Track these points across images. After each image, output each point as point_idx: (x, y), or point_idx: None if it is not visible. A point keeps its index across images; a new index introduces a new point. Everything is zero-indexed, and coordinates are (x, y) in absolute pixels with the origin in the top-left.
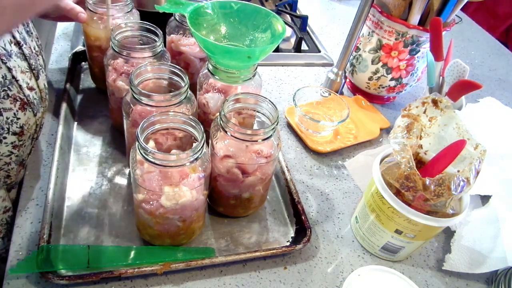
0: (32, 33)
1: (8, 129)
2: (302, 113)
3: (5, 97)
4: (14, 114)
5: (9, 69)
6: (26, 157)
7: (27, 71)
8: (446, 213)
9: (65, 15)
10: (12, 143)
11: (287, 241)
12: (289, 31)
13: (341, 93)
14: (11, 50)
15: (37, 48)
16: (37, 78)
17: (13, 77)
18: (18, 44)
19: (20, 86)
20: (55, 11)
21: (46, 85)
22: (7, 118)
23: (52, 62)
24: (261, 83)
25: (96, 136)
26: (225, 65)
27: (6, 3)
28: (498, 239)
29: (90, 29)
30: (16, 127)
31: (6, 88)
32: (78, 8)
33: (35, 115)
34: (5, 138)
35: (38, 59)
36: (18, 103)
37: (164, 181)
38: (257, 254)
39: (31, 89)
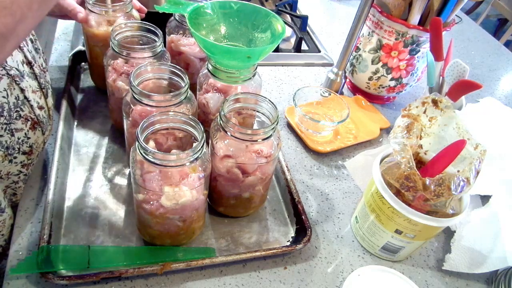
0: (39, 49)
1: (19, 149)
2: (302, 113)
3: (18, 117)
4: (25, 134)
5: (22, 90)
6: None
7: (37, 91)
8: (446, 213)
9: (67, 14)
10: (21, 162)
11: (287, 241)
12: (289, 31)
13: (341, 93)
14: (23, 71)
15: (44, 65)
16: (46, 96)
17: (25, 97)
18: (29, 63)
19: (31, 106)
20: (59, 10)
21: (53, 102)
22: (18, 139)
23: (52, 62)
24: (261, 83)
25: (96, 136)
26: (225, 65)
27: (32, 1)
28: (498, 239)
29: (90, 29)
30: (26, 146)
31: (18, 109)
32: (78, 8)
33: (43, 133)
34: (15, 158)
35: (46, 76)
36: (29, 123)
37: (164, 181)
38: (257, 254)
39: (41, 108)
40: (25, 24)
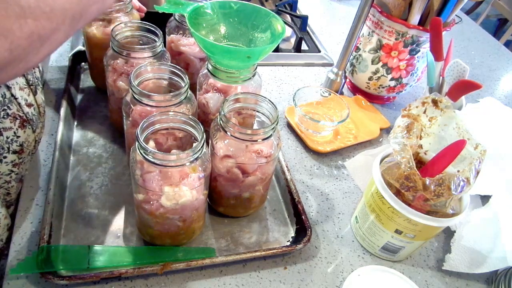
0: None
1: (8, 148)
2: (302, 113)
3: (5, 116)
4: (14, 132)
5: (8, 87)
6: (24, 173)
7: (25, 87)
8: (446, 213)
9: None
10: (12, 161)
11: (287, 241)
12: (289, 31)
13: (341, 93)
14: None
15: None
16: (35, 93)
17: (12, 95)
18: None
19: (19, 103)
20: None
21: (43, 99)
22: (7, 138)
23: (52, 62)
24: (261, 83)
25: (96, 136)
26: (225, 65)
27: (66, 15)
28: (498, 239)
29: (90, 29)
30: (16, 145)
31: (5, 107)
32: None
33: (34, 131)
34: (5, 157)
35: (35, 72)
36: (17, 121)
37: (164, 181)
38: (257, 254)
39: (29, 105)
40: (57, 35)
